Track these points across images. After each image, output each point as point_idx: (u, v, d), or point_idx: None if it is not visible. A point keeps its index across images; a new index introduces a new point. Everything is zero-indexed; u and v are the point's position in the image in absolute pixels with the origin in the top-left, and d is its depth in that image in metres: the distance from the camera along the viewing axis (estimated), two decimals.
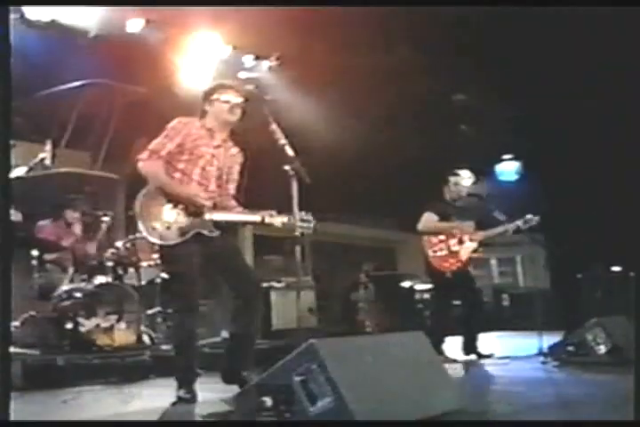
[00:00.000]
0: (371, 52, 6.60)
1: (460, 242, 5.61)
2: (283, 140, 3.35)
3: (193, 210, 3.47)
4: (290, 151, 3.30)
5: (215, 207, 3.56)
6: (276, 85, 6.72)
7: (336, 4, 5.39)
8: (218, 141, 3.63)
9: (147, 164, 3.50)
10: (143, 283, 5.65)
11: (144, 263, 5.56)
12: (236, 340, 3.58)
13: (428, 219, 5.63)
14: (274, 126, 3.41)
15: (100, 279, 5.19)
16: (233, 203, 3.71)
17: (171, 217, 3.43)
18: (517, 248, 11.80)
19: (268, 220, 3.46)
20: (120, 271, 5.44)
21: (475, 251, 5.68)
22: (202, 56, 6.60)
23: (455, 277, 5.50)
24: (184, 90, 6.50)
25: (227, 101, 3.59)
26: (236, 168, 3.74)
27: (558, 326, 5.73)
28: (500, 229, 5.68)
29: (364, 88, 7.19)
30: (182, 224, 3.43)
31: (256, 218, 3.51)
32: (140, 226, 3.41)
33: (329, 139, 7.29)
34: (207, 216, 3.48)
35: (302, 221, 3.42)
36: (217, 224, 3.50)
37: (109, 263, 5.40)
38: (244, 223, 3.56)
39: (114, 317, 4.98)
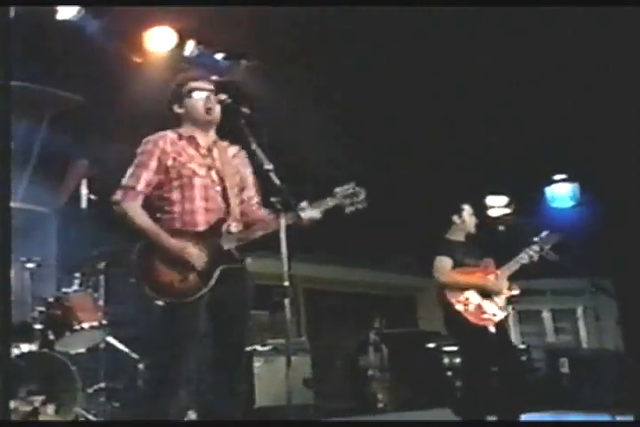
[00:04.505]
0: (372, 50, 6.76)
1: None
2: (267, 165, 3.43)
3: (207, 244, 3.53)
4: (276, 179, 3.40)
5: (240, 226, 3.66)
6: (254, 92, 6.80)
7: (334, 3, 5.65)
8: (205, 148, 3.72)
9: (125, 207, 3.55)
10: (82, 350, 5.71)
11: (85, 324, 5.53)
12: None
13: (443, 266, 5.80)
14: (254, 146, 3.51)
15: (22, 347, 5.23)
16: (262, 213, 3.80)
17: (182, 264, 3.48)
18: (578, 297, 11.85)
19: (303, 215, 3.54)
20: (51, 336, 5.47)
21: (510, 298, 5.86)
22: (157, 53, 6.74)
23: (494, 336, 5.62)
24: (134, 97, 6.61)
25: (200, 96, 3.68)
26: (248, 170, 3.84)
27: (637, 404, 5.76)
28: (524, 258, 5.84)
29: (366, 95, 7.32)
30: (202, 266, 3.49)
31: (282, 222, 3.42)
32: (148, 291, 3.44)
33: (325, 160, 7.40)
34: (225, 246, 3.56)
35: (346, 197, 3.62)
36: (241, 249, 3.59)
37: (37, 325, 5.47)
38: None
39: (39, 398, 5.01)
